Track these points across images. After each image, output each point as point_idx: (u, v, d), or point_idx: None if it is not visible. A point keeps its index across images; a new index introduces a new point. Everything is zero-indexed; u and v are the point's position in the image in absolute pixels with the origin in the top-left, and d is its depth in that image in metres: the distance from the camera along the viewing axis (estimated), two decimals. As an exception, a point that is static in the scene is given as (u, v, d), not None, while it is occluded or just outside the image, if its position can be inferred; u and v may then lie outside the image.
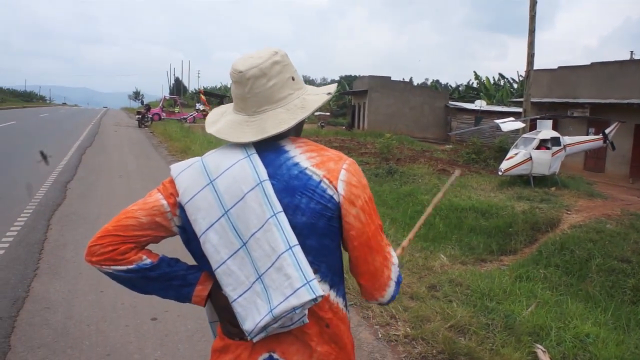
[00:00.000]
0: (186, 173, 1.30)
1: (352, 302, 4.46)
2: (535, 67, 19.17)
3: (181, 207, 1.29)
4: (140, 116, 27.92)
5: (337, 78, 64.22)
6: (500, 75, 43.52)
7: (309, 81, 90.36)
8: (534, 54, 18.42)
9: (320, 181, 1.24)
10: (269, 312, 1.19)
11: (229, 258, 1.24)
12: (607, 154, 19.32)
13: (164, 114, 33.56)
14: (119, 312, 4.04)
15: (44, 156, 7.73)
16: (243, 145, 1.30)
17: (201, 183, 1.27)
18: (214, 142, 20.04)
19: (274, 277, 1.20)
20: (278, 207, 1.21)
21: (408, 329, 3.99)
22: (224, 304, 1.30)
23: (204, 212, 1.25)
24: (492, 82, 42.28)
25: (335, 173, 1.25)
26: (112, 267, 1.26)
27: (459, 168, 17.32)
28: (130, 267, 1.27)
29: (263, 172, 1.24)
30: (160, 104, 35.69)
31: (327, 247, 1.27)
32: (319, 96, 1.36)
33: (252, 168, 1.24)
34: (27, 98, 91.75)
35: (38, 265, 5.01)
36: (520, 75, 39.28)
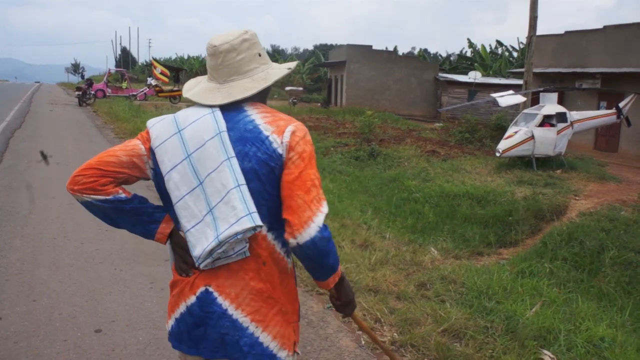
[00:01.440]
0: (159, 124, 1.76)
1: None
2: (538, 33, 19.26)
3: (153, 152, 1.72)
4: (80, 93, 27.29)
5: (310, 48, 63.91)
6: (498, 42, 43.91)
7: (278, 51, 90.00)
8: (537, 16, 18.53)
9: (269, 135, 1.66)
10: (215, 237, 1.59)
11: (187, 194, 1.66)
12: (621, 131, 19.59)
13: (109, 90, 32.86)
14: (56, 324, 3.92)
15: (44, 156, 7.60)
16: (210, 105, 1.75)
17: (170, 132, 1.72)
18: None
19: (222, 209, 1.61)
20: (232, 152, 1.64)
21: (395, 334, 3.99)
22: (180, 242, 1.74)
23: (170, 155, 1.69)
24: (488, 50, 42.67)
25: (283, 128, 1.68)
26: (91, 196, 1.68)
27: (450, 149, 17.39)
28: (107, 197, 1.68)
29: (223, 125, 1.68)
30: (105, 79, 34.90)
31: (268, 192, 1.66)
32: (280, 70, 1.84)
33: (214, 121, 1.69)
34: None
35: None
36: (521, 42, 39.70)
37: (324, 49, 51.50)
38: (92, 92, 28.35)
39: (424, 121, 30.50)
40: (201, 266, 1.65)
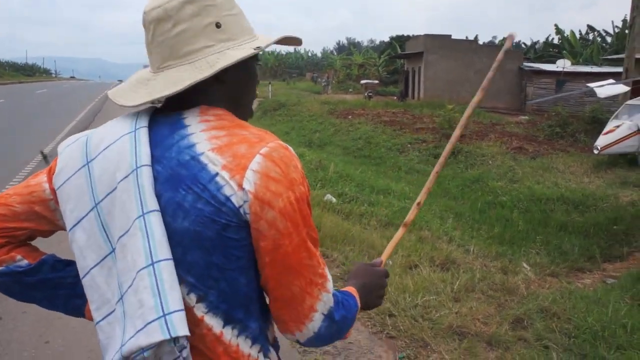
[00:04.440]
0: (70, 149, 1.18)
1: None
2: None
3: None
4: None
5: (386, 39, 63.04)
6: (589, 27, 42.12)
7: (354, 43, 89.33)
8: (639, -6, 16.88)
9: (217, 174, 1.04)
10: (118, 349, 1.03)
11: (95, 266, 1.11)
12: None
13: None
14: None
15: (43, 156, 7.49)
16: (135, 116, 1.15)
17: (77, 164, 1.15)
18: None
19: (131, 301, 1.03)
20: (150, 204, 1.05)
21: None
22: None
23: (74, 202, 1.13)
24: (577, 36, 40.89)
25: (244, 161, 1.04)
26: None
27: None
28: None
29: (144, 155, 1.08)
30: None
31: (218, 267, 1.07)
32: (243, 50, 1.15)
33: (132, 147, 1.09)
34: (28, 72, 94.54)
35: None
36: (617, 26, 37.77)
37: (400, 40, 50.42)
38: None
39: (507, 114, 29.22)
40: None
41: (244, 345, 1.13)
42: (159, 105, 1.15)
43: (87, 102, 27.45)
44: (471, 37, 44.01)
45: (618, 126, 13.29)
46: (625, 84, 15.88)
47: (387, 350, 3.73)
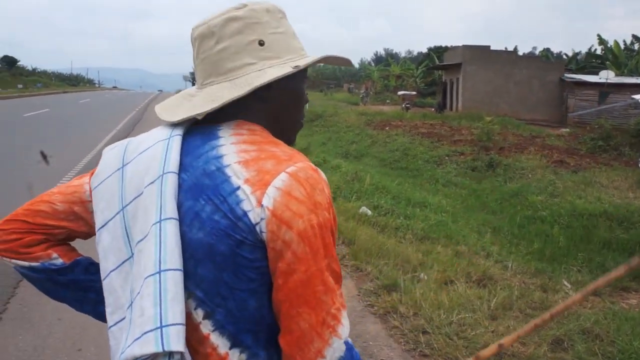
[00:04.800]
0: (111, 153, 1.20)
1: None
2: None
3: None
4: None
5: (424, 50, 62.77)
6: (635, 37, 41.18)
7: (392, 54, 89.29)
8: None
9: (238, 187, 1.00)
10: (119, 356, 1.01)
11: (114, 270, 1.11)
12: None
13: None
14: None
15: (44, 156, 7.60)
16: (174, 124, 1.16)
17: (113, 167, 1.16)
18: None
19: (136, 308, 1.01)
20: (169, 211, 1.02)
21: None
22: None
23: (105, 203, 1.14)
24: (622, 46, 39.90)
25: (268, 177, 1.00)
26: (12, 260, 1.20)
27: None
28: (33, 264, 1.20)
29: (172, 162, 1.07)
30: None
31: (227, 285, 1.01)
32: (279, 68, 1.12)
33: (164, 154, 1.09)
34: (73, 82, 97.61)
35: (7, 303, 4.42)
36: (663, 36, 36.73)
37: (438, 51, 50.21)
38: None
39: (548, 126, 28.67)
40: None
41: None
42: (200, 117, 1.13)
43: (127, 111, 28.15)
44: (510, 48, 43.41)
45: (665, 140, 12.92)
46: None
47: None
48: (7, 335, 3.92)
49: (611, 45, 39.77)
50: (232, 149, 1.06)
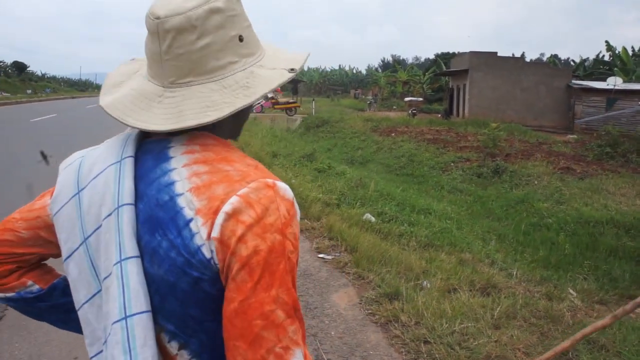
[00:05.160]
0: (66, 172, 1.10)
1: None
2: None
3: None
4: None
5: (431, 56, 62.76)
6: None
7: (399, 61, 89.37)
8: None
9: (191, 220, 0.91)
10: None
11: (86, 302, 1.04)
12: None
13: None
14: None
15: (44, 156, 7.57)
16: (124, 140, 1.05)
17: (69, 192, 1.07)
18: (279, 136, 19.84)
19: (108, 356, 0.96)
20: (129, 250, 0.95)
21: None
22: None
23: (66, 233, 1.06)
24: (630, 53, 39.78)
25: (217, 204, 0.90)
26: None
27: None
28: (9, 295, 1.16)
29: (127, 191, 0.97)
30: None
31: (194, 319, 0.96)
32: (277, 72, 1.04)
33: (117, 182, 0.99)
34: (82, 87, 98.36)
35: (5, 310, 4.37)
36: (670, 44, 36.52)
37: (445, 58, 50.29)
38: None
39: (555, 133, 28.57)
40: None
41: None
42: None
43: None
44: (517, 54, 43.31)
45: (673, 147, 12.80)
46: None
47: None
48: (3, 342, 3.89)
49: (619, 52, 39.68)
50: (183, 174, 0.96)
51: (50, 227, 1.12)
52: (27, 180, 8.82)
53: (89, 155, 1.09)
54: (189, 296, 0.94)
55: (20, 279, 1.16)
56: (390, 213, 8.49)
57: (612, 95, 29.16)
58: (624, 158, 17.99)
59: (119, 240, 0.96)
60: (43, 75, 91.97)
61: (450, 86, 39.64)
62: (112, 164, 1.01)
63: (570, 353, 4.05)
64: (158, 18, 0.98)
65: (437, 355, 3.79)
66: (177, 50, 0.98)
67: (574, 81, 33.55)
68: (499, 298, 5.09)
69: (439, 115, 37.40)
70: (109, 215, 0.98)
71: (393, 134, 22.30)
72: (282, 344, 0.90)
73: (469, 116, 32.34)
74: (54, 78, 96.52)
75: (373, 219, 7.84)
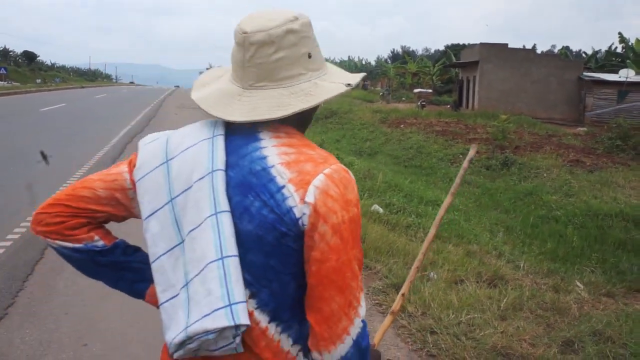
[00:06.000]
0: (150, 146, 1.32)
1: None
2: None
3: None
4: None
5: (441, 48, 62.36)
6: None
7: (409, 52, 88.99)
8: None
9: (283, 186, 1.16)
10: (184, 328, 1.17)
11: (164, 254, 1.24)
12: None
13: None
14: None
15: (43, 156, 7.66)
16: (213, 123, 1.30)
17: (157, 160, 1.28)
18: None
19: (198, 289, 1.17)
20: (223, 205, 1.19)
21: None
22: None
23: (151, 195, 1.26)
24: None
25: (308, 178, 1.17)
26: (57, 241, 1.31)
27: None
28: (77, 245, 1.31)
29: (220, 160, 1.22)
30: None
31: (273, 269, 1.19)
32: (335, 85, 1.30)
33: (210, 152, 1.23)
34: (91, 77, 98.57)
35: (16, 297, 4.42)
36: (683, 36, 35.95)
37: (455, 49, 49.89)
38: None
39: (565, 125, 28.33)
40: (174, 356, 1.21)
41: (285, 343, 1.23)
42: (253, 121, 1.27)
43: (143, 107, 28.19)
44: (528, 46, 42.91)
45: (683, 140, 12.66)
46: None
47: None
48: (13, 328, 3.93)
49: (632, 44, 39.07)
50: (274, 151, 1.20)
51: (125, 191, 1.32)
52: (30, 179, 8.86)
53: (174, 134, 1.32)
54: (274, 248, 1.17)
55: (88, 233, 1.32)
56: (398, 204, 8.50)
57: (624, 88, 28.82)
58: (634, 151, 17.86)
59: (213, 197, 1.18)
60: (52, 64, 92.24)
61: (460, 78, 39.40)
62: (204, 139, 1.26)
63: (576, 344, 4.07)
64: (245, 33, 1.23)
65: (443, 346, 3.83)
66: (257, 60, 1.23)
67: (585, 73, 33.19)
68: (505, 290, 5.11)
69: (449, 107, 37.16)
70: (201, 178, 1.20)
71: (402, 126, 22.23)
72: (358, 290, 1.19)
73: (478, 108, 32.13)
74: (63, 68, 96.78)
75: (381, 210, 7.86)
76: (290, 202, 1.15)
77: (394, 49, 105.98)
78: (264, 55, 1.23)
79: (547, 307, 4.90)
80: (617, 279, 7.54)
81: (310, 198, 1.15)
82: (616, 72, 31.96)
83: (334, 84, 1.30)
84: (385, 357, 3.72)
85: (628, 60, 37.01)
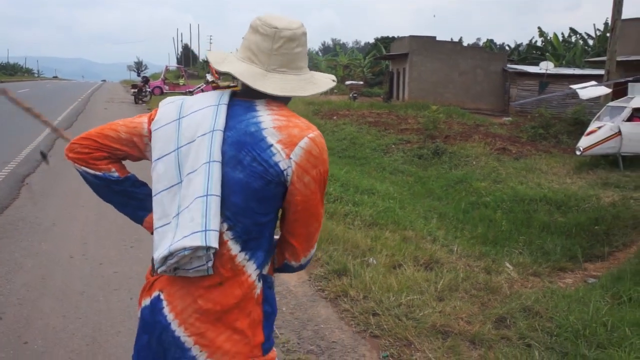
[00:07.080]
0: (168, 106, 1.67)
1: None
2: (622, 17, 17.68)
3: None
4: (136, 90, 27.30)
5: (371, 40, 63.01)
6: (572, 30, 41.98)
7: (340, 44, 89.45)
8: (622, -2, 16.97)
9: (272, 145, 1.50)
10: (167, 246, 1.48)
11: (164, 190, 1.57)
12: None
13: (167, 87, 33.22)
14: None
15: (43, 156, 7.43)
16: (220, 95, 1.64)
17: (172, 117, 1.62)
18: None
19: (185, 217, 1.49)
20: (216, 156, 1.51)
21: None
22: None
23: (162, 143, 1.60)
24: (560, 39, 40.75)
25: (295, 140, 1.52)
26: (82, 167, 1.66)
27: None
28: (97, 173, 1.67)
29: (220, 123, 1.55)
30: (162, 76, 35.30)
31: (251, 210, 1.54)
32: (326, 80, 1.70)
33: (213, 116, 1.56)
34: (10, 71, 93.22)
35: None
36: (598, 29, 37.78)
37: (385, 42, 50.30)
38: (149, 90, 28.55)
39: (491, 115, 29.16)
40: (158, 271, 1.53)
41: (249, 268, 1.57)
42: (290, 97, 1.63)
43: (70, 102, 26.91)
44: (456, 39, 43.92)
45: (600, 128, 13.21)
46: (607, 86, 15.91)
47: (371, 350, 3.70)
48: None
49: (551, 38, 40.66)
50: (267, 118, 1.54)
51: (142, 137, 1.66)
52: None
53: (188, 99, 1.66)
54: (256, 193, 1.51)
55: (107, 165, 1.67)
56: (335, 194, 8.54)
57: (545, 79, 29.95)
58: (555, 139, 18.58)
59: (210, 149, 1.50)
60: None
61: (391, 70, 39.76)
62: (210, 105, 1.59)
63: (508, 320, 4.25)
64: (275, 28, 1.56)
65: (385, 326, 3.93)
66: (283, 51, 1.57)
67: (509, 65, 34.17)
68: (441, 272, 5.27)
69: (380, 99, 37.53)
70: (203, 135, 1.53)
71: (335, 117, 22.32)
72: (321, 219, 1.66)
73: (409, 99, 32.47)
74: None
75: (319, 199, 7.90)
76: (277, 158, 1.49)
77: (324, 42, 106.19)
78: (289, 47, 1.58)
79: (481, 287, 5.08)
80: (542, 259, 7.92)
81: (295, 156, 1.50)
82: (537, 64, 32.99)
83: (325, 78, 1.69)
84: (330, 339, 3.80)
85: (547, 53, 38.60)
